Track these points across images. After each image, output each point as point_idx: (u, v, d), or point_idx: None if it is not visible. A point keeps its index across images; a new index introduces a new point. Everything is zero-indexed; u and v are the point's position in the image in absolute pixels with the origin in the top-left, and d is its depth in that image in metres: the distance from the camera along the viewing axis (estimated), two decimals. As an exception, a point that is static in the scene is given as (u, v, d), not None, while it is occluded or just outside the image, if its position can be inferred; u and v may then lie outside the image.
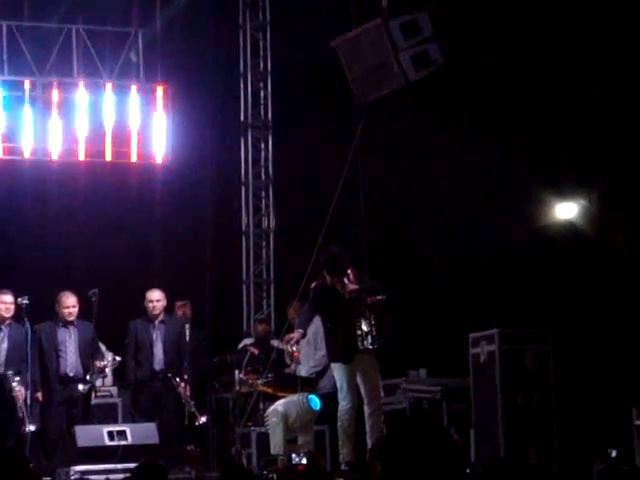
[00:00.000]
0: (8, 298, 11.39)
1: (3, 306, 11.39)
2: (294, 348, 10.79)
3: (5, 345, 11.37)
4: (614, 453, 8.98)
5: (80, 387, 11.37)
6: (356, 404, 10.29)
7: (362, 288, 10.32)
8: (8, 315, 11.42)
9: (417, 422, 3.31)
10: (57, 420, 11.38)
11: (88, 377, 11.44)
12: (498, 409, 10.74)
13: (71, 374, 11.49)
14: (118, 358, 11.70)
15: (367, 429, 10.27)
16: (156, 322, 11.96)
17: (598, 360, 11.33)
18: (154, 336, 11.91)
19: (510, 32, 11.78)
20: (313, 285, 10.51)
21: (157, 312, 11.94)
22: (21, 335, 11.27)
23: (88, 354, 11.53)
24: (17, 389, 10.95)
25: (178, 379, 11.55)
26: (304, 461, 9.72)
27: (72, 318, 11.57)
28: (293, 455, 10.15)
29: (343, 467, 10.16)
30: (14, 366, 11.17)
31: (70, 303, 11.54)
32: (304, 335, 10.51)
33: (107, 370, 11.64)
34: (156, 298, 11.94)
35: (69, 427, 11.10)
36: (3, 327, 11.44)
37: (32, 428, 10.82)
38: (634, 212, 11.88)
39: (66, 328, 11.58)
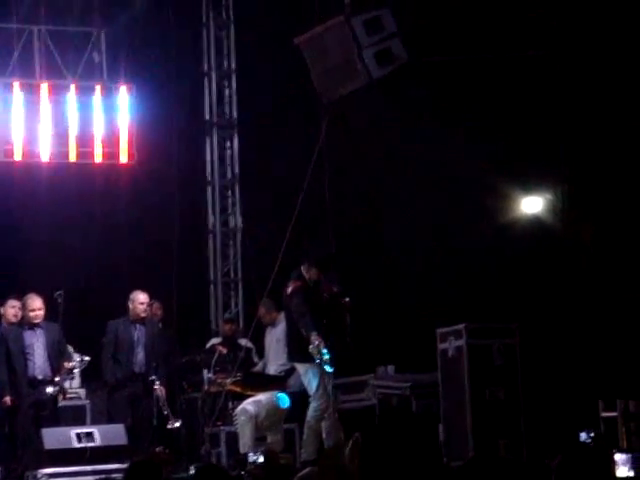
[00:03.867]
0: None
1: None
2: (323, 349, 10.40)
3: None
4: (584, 436, 9.02)
5: (49, 390, 11.31)
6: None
7: (339, 290, 10.44)
8: None
9: (398, 420, 3.30)
10: (26, 423, 11.31)
11: (57, 379, 11.39)
12: (466, 404, 10.76)
13: (40, 377, 11.43)
14: (87, 358, 11.66)
15: (324, 429, 10.35)
16: (137, 324, 11.91)
17: (565, 353, 11.38)
18: (135, 337, 11.86)
19: (473, 27, 11.81)
20: (292, 288, 10.47)
21: (145, 314, 11.89)
22: None
23: (56, 356, 11.49)
24: None
25: (158, 382, 11.53)
26: (261, 459, 9.74)
27: (38, 320, 11.50)
28: (250, 454, 10.17)
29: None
30: None
31: (36, 306, 11.48)
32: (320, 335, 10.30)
33: (75, 371, 11.59)
34: (147, 301, 11.90)
35: (37, 430, 11.05)
36: None
37: None
38: (598, 205, 11.94)
39: (33, 331, 11.51)
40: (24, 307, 11.54)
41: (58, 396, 11.44)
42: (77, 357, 11.82)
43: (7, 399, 11.20)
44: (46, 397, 11.32)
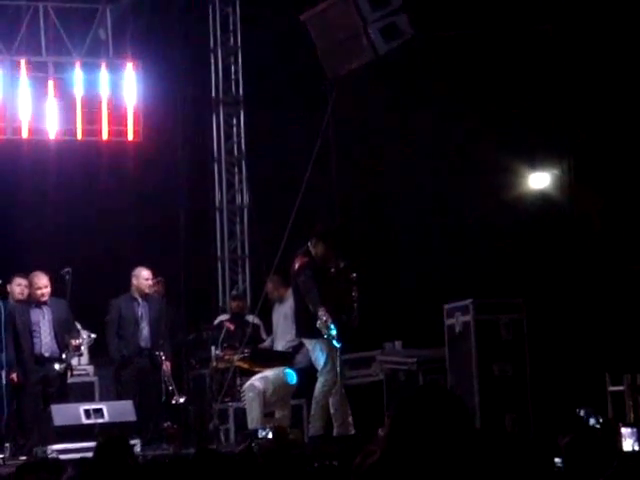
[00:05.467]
0: None
1: None
2: (331, 324, 10.35)
3: None
4: (582, 412, 9.04)
5: (56, 367, 11.33)
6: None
7: (348, 265, 10.45)
8: None
9: (431, 394, 3.26)
10: (33, 400, 11.34)
11: (64, 356, 11.41)
12: (474, 379, 10.77)
13: (46, 354, 11.44)
14: (93, 335, 11.68)
15: (332, 405, 10.39)
16: (140, 300, 11.93)
17: (571, 328, 11.38)
18: (139, 313, 11.90)
19: (479, 1, 11.77)
20: (299, 264, 10.46)
21: (148, 290, 11.91)
22: None
23: (63, 333, 11.49)
24: None
25: (164, 357, 11.58)
26: (270, 435, 9.79)
27: (45, 298, 11.49)
28: (259, 429, 10.21)
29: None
30: None
31: (42, 283, 11.46)
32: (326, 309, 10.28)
33: (82, 348, 11.59)
34: (151, 276, 11.92)
35: (45, 406, 11.10)
36: None
37: None
38: (605, 181, 11.92)
39: (39, 308, 11.52)
40: (30, 285, 11.53)
41: (66, 373, 11.47)
42: (85, 334, 11.86)
43: (13, 376, 11.22)
44: (53, 374, 11.35)
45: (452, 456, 3.10)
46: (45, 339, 11.47)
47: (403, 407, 3.19)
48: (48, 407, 10.93)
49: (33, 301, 11.52)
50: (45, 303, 11.52)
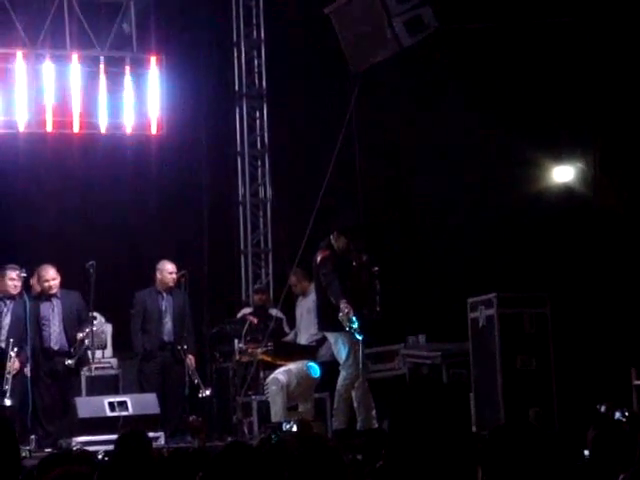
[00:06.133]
0: (15, 274, 11.33)
1: (11, 283, 11.30)
2: (353, 317, 10.33)
3: (8, 320, 11.25)
4: (603, 408, 9.02)
5: (67, 361, 11.26)
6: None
7: (370, 258, 10.45)
8: (15, 292, 11.33)
9: (425, 388, 3.30)
10: (45, 393, 11.31)
11: (72, 350, 11.32)
12: (497, 373, 10.76)
13: (55, 347, 11.35)
14: (95, 328, 11.59)
15: (355, 398, 10.39)
16: (164, 293, 11.94)
17: (596, 321, 11.34)
18: (163, 307, 11.91)
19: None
20: (321, 257, 10.46)
21: (172, 284, 11.91)
22: (21, 310, 11.22)
23: (73, 326, 11.40)
24: (11, 362, 10.90)
25: (187, 350, 11.60)
26: (294, 428, 9.80)
27: (54, 291, 11.38)
28: (284, 422, 10.22)
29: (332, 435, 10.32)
30: (15, 341, 11.11)
31: (50, 276, 11.36)
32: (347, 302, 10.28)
33: (87, 342, 11.37)
34: (175, 270, 11.92)
35: (62, 399, 11.11)
36: (8, 302, 11.35)
37: (7, 403, 10.75)
38: (630, 174, 11.87)
39: (49, 301, 11.40)
40: (38, 278, 11.44)
41: (77, 367, 11.36)
42: (108, 327, 11.84)
43: (17, 366, 10.99)
44: (62, 368, 11.28)
45: (450, 449, 3.13)
46: (54, 333, 11.37)
47: (398, 407, 3.23)
48: (66, 400, 10.97)
49: (43, 294, 11.43)
50: (55, 295, 11.43)
